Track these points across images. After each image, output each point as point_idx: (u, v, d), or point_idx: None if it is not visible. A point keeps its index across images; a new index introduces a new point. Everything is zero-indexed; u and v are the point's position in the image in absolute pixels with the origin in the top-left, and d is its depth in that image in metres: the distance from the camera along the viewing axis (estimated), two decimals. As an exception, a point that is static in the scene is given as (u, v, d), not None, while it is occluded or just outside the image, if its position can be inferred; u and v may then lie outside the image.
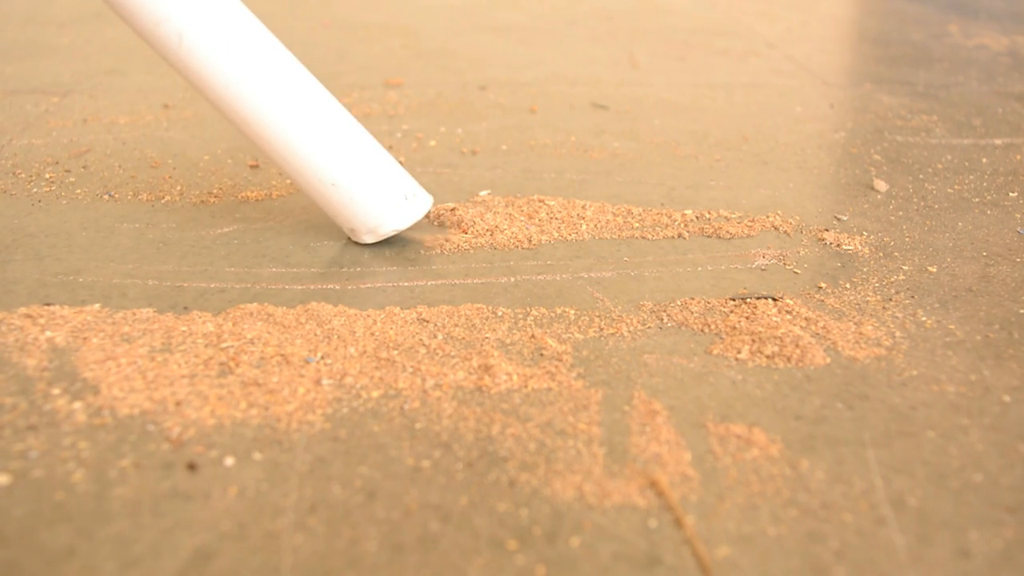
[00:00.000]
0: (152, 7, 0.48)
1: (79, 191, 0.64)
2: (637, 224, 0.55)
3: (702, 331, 0.47)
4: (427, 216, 0.59)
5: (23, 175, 0.67)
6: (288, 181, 0.66)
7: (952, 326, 0.48)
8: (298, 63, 0.53)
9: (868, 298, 0.51)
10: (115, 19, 1.26)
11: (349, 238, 0.56)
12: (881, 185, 0.68)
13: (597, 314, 0.49)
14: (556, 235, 0.57)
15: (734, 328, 0.47)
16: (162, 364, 0.43)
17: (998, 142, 0.80)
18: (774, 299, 0.50)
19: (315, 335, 0.46)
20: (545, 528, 0.33)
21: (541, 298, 0.50)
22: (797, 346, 0.45)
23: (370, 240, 0.54)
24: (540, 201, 0.61)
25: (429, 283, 0.52)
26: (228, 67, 0.49)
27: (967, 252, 0.57)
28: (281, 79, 0.51)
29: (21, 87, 0.90)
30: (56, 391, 0.41)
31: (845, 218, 0.62)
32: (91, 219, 0.60)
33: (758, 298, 0.50)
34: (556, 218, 0.59)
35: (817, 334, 0.47)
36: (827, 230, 0.59)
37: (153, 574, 0.31)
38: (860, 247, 0.56)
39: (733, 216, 0.59)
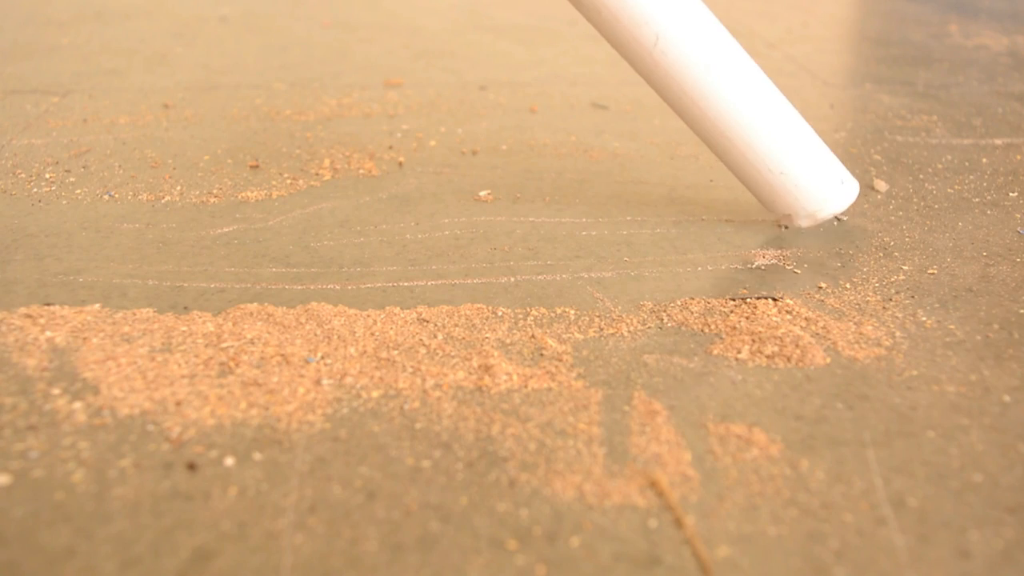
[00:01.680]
0: (632, 13, 0.53)
1: (79, 191, 0.64)
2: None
3: (702, 331, 0.47)
4: None
5: (23, 175, 0.67)
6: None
7: (952, 326, 0.48)
8: (748, 57, 0.55)
9: (868, 298, 0.51)
10: (115, 19, 1.26)
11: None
12: (881, 185, 0.68)
13: (597, 314, 0.49)
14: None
15: (734, 328, 0.47)
16: (162, 364, 0.43)
17: (998, 142, 0.79)
18: (774, 299, 0.50)
19: (315, 335, 0.46)
20: (545, 528, 0.33)
21: (541, 298, 0.50)
22: (797, 346, 0.45)
23: (807, 224, 0.58)
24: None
25: (429, 283, 0.52)
26: (697, 69, 0.53)
27: (967, 252, 0.57)
28: (740, 76, 0.54)
29: (21, 87, 0.91)
30: (56, 391, 0.41)
31: (845, 218, 0.62)
32: (91, 219, 0.60)
33: (758, 298, 0.50)
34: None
35: (817, 334, 0.47)
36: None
37: (153, 574, 0.31)
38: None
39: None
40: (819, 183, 0.56)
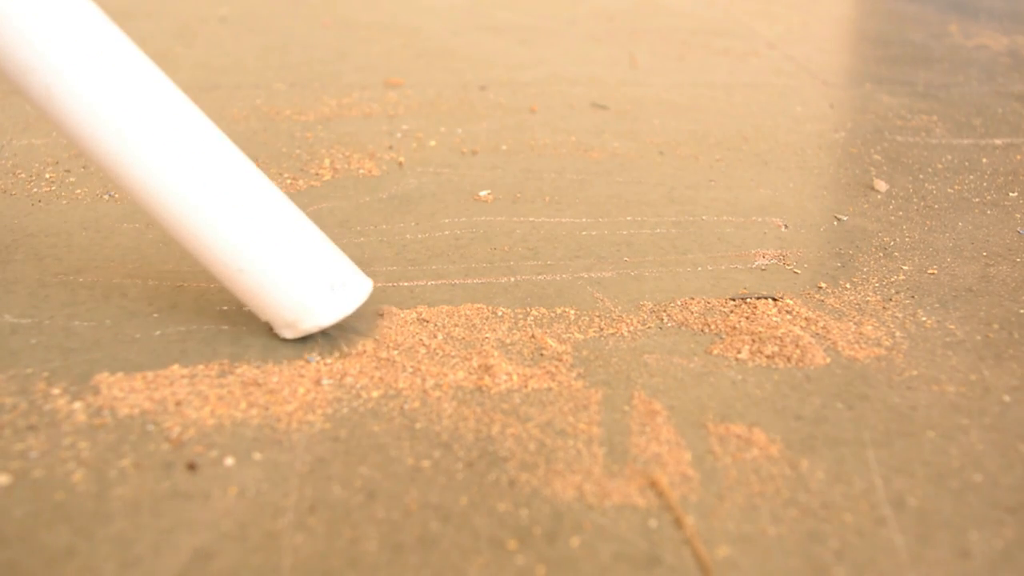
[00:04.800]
0: (15, 56, 0.39)
1: (79, 191, 0.64)
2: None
3: (702, 331, 0.47)
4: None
5: (23, 175, 0.67)
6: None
7: (952, 326, 0.48)
8: (199, 117, 0.43)
9: (868, 298, 0.51)
10: (115, 19, 1.25)
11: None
12: (881, 185, 0.68)
13: (597, 314, 0.49)
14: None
15: (734, 328, 0.47)
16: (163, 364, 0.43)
17: (998, 142, 0.79)
18: (774, 299, 0.50)
19: (315, 335, 0.46)
20: (545, 528, 0.33)
21: (541, 298, 0.50)
22: (797, 346, 0.45)
23: (289, 335, 0.45)
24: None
25: (429, 283, 0.52)
26: (105, 131, 0.40)
27: (967, 252, 0.57)
28: (173, 144, 0.41)
29: (21, 87, 0.90)
30: (56, 391, 0.41)
31: (845, 218, 0.62)
32: (91, 219, 0.60)
33: (758, 298, 0.50)
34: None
35: (817, 334, 0.47)
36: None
37: (153, 574, 0.31)
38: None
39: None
40: (295, 288, 0.43)
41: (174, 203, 0.41)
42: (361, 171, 0.69)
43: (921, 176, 0.71)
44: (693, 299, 0.50)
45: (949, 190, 0.68)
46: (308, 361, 0.43)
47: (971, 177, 0.71)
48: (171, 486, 0.35)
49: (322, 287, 0.44)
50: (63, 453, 0.37)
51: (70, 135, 0.41)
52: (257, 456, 0.37)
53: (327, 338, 0.45)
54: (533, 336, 0.46)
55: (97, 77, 0.39)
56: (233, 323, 0.47)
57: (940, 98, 0.94)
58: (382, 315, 0.47)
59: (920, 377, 0.43)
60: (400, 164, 0.71)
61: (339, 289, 0.44)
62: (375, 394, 0.41)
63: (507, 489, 0.35)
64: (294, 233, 0.44)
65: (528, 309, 0.49)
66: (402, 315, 0.48)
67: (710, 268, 0.54)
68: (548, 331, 0.47)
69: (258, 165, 0.70)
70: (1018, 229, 0.61)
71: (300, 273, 0.43)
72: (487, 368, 0.43)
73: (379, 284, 0.51)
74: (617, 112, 0.87)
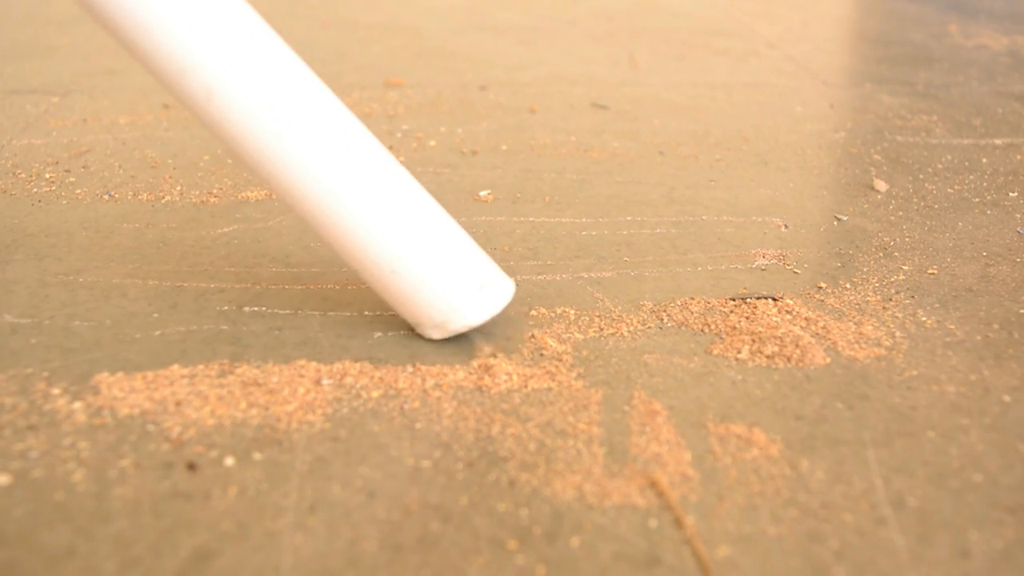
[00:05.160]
0: (174, 56, 0.39)
1: (79, 191, 0.64)
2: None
3: (702, 331, 0.47)
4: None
5: (23, 175, 0.67)
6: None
7: (952, 326, 0.48)
8: (350, 116, 0.43)
9: (868, 298, 0.51)
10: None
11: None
12: (881, 185, 0.68)
13: (597, 314, 0.49)
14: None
15: (734, 328, 0.47)
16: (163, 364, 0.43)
17: (998, 142, 0.79)
18: (774, 299, 0.50)
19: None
20: (545, 528, 0.33)
21: (541, 298, 0.50)
22: (797, 346, 0.45)
23: (437, 336, 0.45)
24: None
25: (429, 283, 0.52)
26: (268, 135, 0.40)
27: (967, 252, 0.57)
28: (331, 146, 0.41)
29: (21, 87, 0.91)
30: (56, 391, 0.41)
31: (845, 218, 0.62)
32: (91, 219, 0.60)
33: (758, 298, 0.50)
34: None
35: (817, 334, 0.47)
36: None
37: (153, 574, 0.31)
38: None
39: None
40: (446, 289, 0.43)
41: (330, 205, 0.41)
42: (361, 171, 0.69)
43: (921, 176, 0.71)
44: (693, 299, 0.50)
45: (949, 190, 0.68)
46: (308, 360, 0.43)
47: (971, 177, 0.71)
48: (171, 486, 0.35)
49: (471, 287, 0.44)
50: (63, 453, 0.37)
51: (226, 137, 0.41)
52: (257, 456, 0.37)
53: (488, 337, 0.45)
54: (533, 336, 0.46)
55: (257, 79, 0.39)
56: (233, 323, 0.47)
57: (940, 98, 0.94)
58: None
59: (920, 377, 0.43)
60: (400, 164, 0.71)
61: (487, 289, 0.44)
62: (375, 394, 0.41)
63: (507, 489, 0.35)
64: (444, 234, 0.44)
65: (528, 309, 0.49)
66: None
67: (710, 268, 0.54)
68: (548, 331, 0.47)
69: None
70: (1018, 229, 0.61)
71: (451, 273, 0.43)
72: (487, 368, 0.43)
73: (379, 284, 0.51)
74: (617, 112, 0.87)
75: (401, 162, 0.71)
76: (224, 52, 0.39)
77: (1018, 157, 0.76)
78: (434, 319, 0.44)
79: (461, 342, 0.45)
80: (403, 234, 0.42)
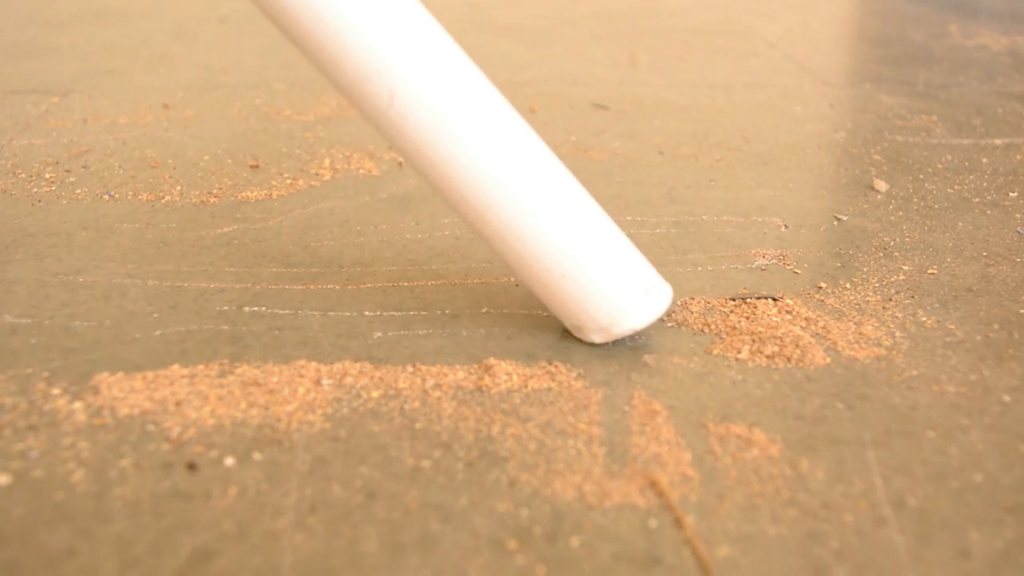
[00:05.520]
0: (359, 60, 0.39)
1: (79, 191, 0.64)
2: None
3: (702, 331, 0.47)
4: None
5: (23, 175, 0.67)
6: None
7: (952, 326, 0.48)
8: (523, 123, 0.43)
9: (868, 298, 0.51)
10: (115, 19, 1.26)
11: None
12: (881, 185, 0.68)
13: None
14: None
15: (734, 328, 0.47)
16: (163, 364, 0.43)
17: (998, 142, 0.80)
18: (774, 299, 0.50)
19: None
20: (545, 528, 0.33)
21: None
22: (797, 346, 0.45)
23: (599, 339, 0.45)
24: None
25: (429, 283, 0.52)
26: (447, 135, 0.40)
27: (967, 252, 0.57)
28: (508, 148, 0.41)
29: (21, 87, 0.91)
30: (56, 391, 0.41)
31: (845, 218, 0.62)
32: (91, 219, 0.60)
33: (758, 298, 0.50)
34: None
35: (817, 334, 0.47)
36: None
37: (153, 574, 0.31)
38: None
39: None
40: (614, 291, 0.43)
41: (507, 208, 0.41)
42: (361, 171, 0.69)
43: (921, 176, 0.71)
44: (693, 299, 0.50)
45: (949, 190, 0.68)
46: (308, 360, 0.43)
47: (971, 177, 0.71)
48: (171, 486, 0.35)
49: (637, 290, 0.44)
50: (63, 453, 0.37)
51: (402, 141, 0.41)
52: (257, 456, 0.37)
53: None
54: (533, 336, 0.46)
55: (438, 82, 0.40)
56: (233, 323, 0.47)
57: (940, 98, 0.94)
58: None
59: (920, 377, 0.43)
60: (400, 164, 0.71)
61: (651, 292, 0.44)
62: (375, 394, 0.41)
63: (507, 489, 0.35)
64: (611, 237, 0.44)
65: (528, 309, 0.49)
66: (400, 315, 0.48)
67: (710, 268, 0.54)
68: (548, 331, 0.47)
69: (258, 165, 0.70)
70: (1018, 229, 0.61)
71: (618, 277, 0.43)
72: (487, 368, 0.43)
73: (379, 284, 0.51)
74: (617, 112, 0.87)
75: (401, 163, 0.71)
76: (408, 55, 0.39)
77: (1018, 157, 0.76)
78: (599, 322, 0.44)
79: (461, 342, 0.45)
80: (575, 238, 0.42)
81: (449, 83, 0.40)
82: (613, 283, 0.43)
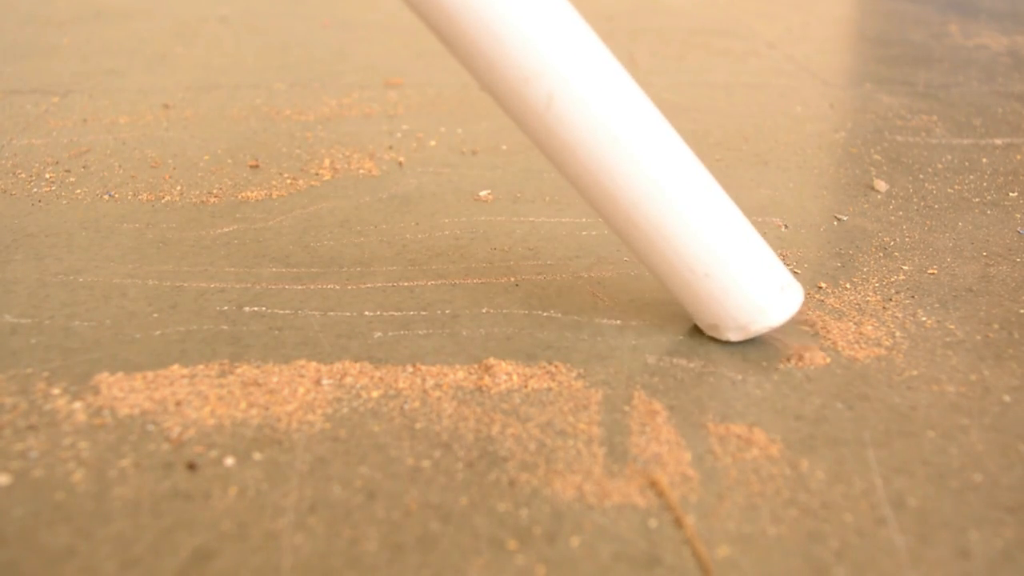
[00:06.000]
0: (520, 63, 0.39)
1: (79, 191, 0.64)
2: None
3: (702, 331, 0.47)
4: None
5: (23, 175, 0.67)
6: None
7: (952, 326, 0.48)
8: (669, 126, 0.43)
9: (868, 298, 0.51)
10: (115, 19, 1.26)
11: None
12: (881, 185, 0.68)
13: (597, 314, 0.49)
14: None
15: (734, 328, 0.47)
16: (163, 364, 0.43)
17: (998, 142, 0.80)
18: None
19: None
20: (545, 528, 0.33)
21: (541, 298, 0.50)
22: (797, 346, 0.45)
23: (736, 338, 0.45)
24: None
25: (429, 283, 0.52)
26: (602, 134, 0.40)
27: (967, 252, 0.57)
28: (658, 150, 0.42)
29: (21, 87, 0.91)
30: (56, 391, 0.41)
31: (845, 218, 0.62)
32: (91, 219, 0.60)
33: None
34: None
35: (817, 334, 0.47)
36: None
37: (153, 574, 0.31)
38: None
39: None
40: (754, 290, 0.44)
41: (656, 209, 0.42)
42: (361, 171, 0.69)
43: (921, 176, 0.71)
44: (693, 299, 0.50)
45: (949, 190, 0.68)
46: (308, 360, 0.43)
47: (971, 177, 0.71)
48: (171, 486, 0.35)
49: (774, 288, 0.44)
50: (63, 453, 0.37)
51: (556, 144, 0.41)
52: (257, 456, 0.37)
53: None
54: (534, 335, 0.46)
55: (595, 83, 0.40)
56: (233, 323, 0.47)
57: (940, 98, 0.94)
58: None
59: (920, 377, 0.43)
60: (400, 164, 0.71)
61: (786, 290, 0.45)
62: (375, 394, 0.41)
63: (507, 489, 0.35)
64: (751, 237, 0.44)
65: (528, 310, 0.49)
66: (400, 316, 0.48)
67: (710, 268, 0.54)
68: (548, 331, 0.47)
69: (258, 165, 0.70)
70: (1018, 229, 0.61)
71: (758, 276, 0.44)
72: (487, 368, 0.43)
73: (379, 284, 0.51)
74: (617, 112, 0.87)
75: (401, 163, 0.71)
76: (567, 57, 0.39)
77: (1018, 157, 0.76)
78: (739, 321, 0.44)
79: (461, 342, 0.45)
80: (719, 237, 0.43)
81: (603, 84, 0.40)
82: (754, 282, 0.44)
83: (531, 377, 0.43)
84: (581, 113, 0.40)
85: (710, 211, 0.43)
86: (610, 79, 0.40)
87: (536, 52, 0.39)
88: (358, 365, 0.43)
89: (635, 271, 0.53)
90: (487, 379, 0.42)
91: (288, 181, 0.67)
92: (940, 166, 0.73)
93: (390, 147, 0.75)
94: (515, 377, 0.43)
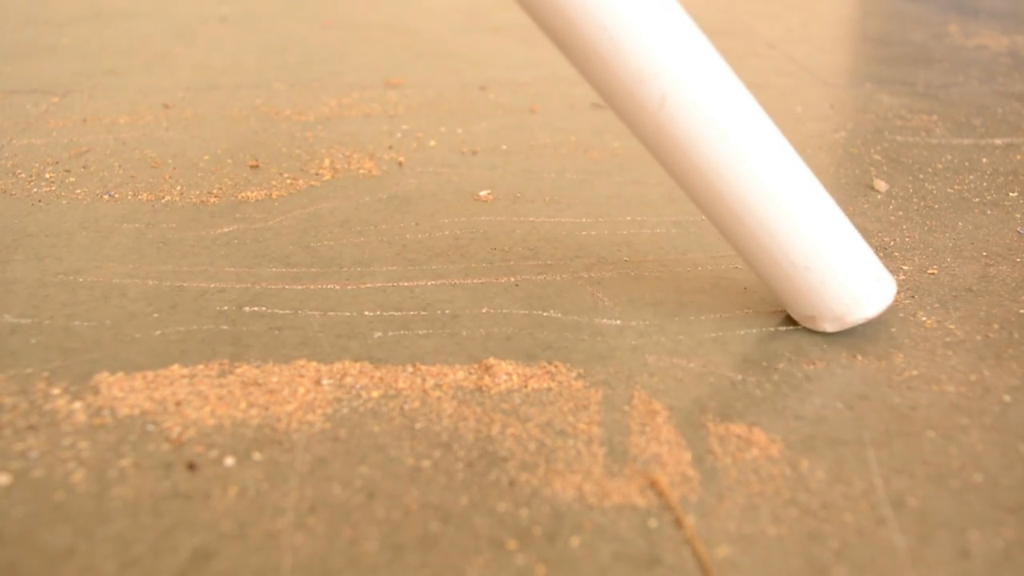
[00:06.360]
0: (632, 65, 0.40)
1: (79, 191, 0.64)
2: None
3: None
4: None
5: (23, 175, 0.67)
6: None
7: (952, 326, 0.48)
8: (772, 124, 0.44)
9: (868, 298, 0.51)
10: (115, 19, 1.26)
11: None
12: (881, 185, 0.68)
13: (597, 314, 0.49)
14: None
15: (734, 328, 0.47)
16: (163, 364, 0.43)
17: (998, 142, 0.79)
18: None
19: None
20: (545, 528, 0.33)
21: (541, 298, 0.50)
22: (797, 346, 0.45)
23: (832, 328, 0.46)
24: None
25: (429, 283, 0.52)
26: (712, 137, 0.42)
27: (967, 252, 0.57)
28: (763, 147, 0.43)
29: (21, 87, 0.91)
30: (56, 391, 0.41)
31: (845, 218, 0.62)
32: (91, 219, 0.60)
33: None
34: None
35: (816, 334, 0.47)
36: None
37: (153, 574, 0.31)
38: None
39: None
40: (850, 281, 0.45)
41: (761, 205, 0.43)
42: (361, 171, 0.69)
43: (921, 176, 0.71)
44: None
45: (949, 190, 0.68)
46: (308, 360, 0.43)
47: (971, 177, 0.71)
48: (171, 486, 0.35)
49: (869, 279, 0.45)
50: (63, 453, 0.37)
51: (669, 141, 0.42)
52: (257, 456, 0.37)
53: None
54: (533, 336, 0.46)
55: (706, 84, 0.41)
56: (233, 323, 0.47)
57: (940, 98, 0.94)
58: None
59: (920, 377, 0.43)
60: (400, 164, 0.71)
61: (880, 281, 0.46)
62: (375, 394, 0.41)
63: (507, 489, 0.35)
64: (848, 230, 0.45)
65: (528, 309, 0.49)
66: (400, 316, 0.48)
67: (710, 268, 0.54)
68: (548, 331, 0.47)
69: (258, 165, 0.70)
70: (1018, 229, 0.61)
71: (855, 267, 0.45)
72: (487, 368, 0.43)
73: (379, 284, 0.51)
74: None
75: (401, 163, 0.71)
76: (680, 59, 0.40)
77: (1018, 157, 0.76)
78: (835, 312, 0.45)
79: (461, 342, 0.45)
80: (819, 231, 0.44)
81: (713, 84, 0.41)
82: (851, 274, 0.45)
83: (531, 377, 0.43)
84: (692, 112, 0.41)
85: (810, 205, 0.44)
86: (718, 79, 0.42)
87: (651, 56, 0.40)
88: (358, 365, 0.43)
89: (635, 271, 0.54)
90: (487, 379, 0.42)
91: (288, 181, 0.67)
92: (940, 166, 0.73)
93: (390, 147, 0.75)
94: (515, 377, 0.43)
